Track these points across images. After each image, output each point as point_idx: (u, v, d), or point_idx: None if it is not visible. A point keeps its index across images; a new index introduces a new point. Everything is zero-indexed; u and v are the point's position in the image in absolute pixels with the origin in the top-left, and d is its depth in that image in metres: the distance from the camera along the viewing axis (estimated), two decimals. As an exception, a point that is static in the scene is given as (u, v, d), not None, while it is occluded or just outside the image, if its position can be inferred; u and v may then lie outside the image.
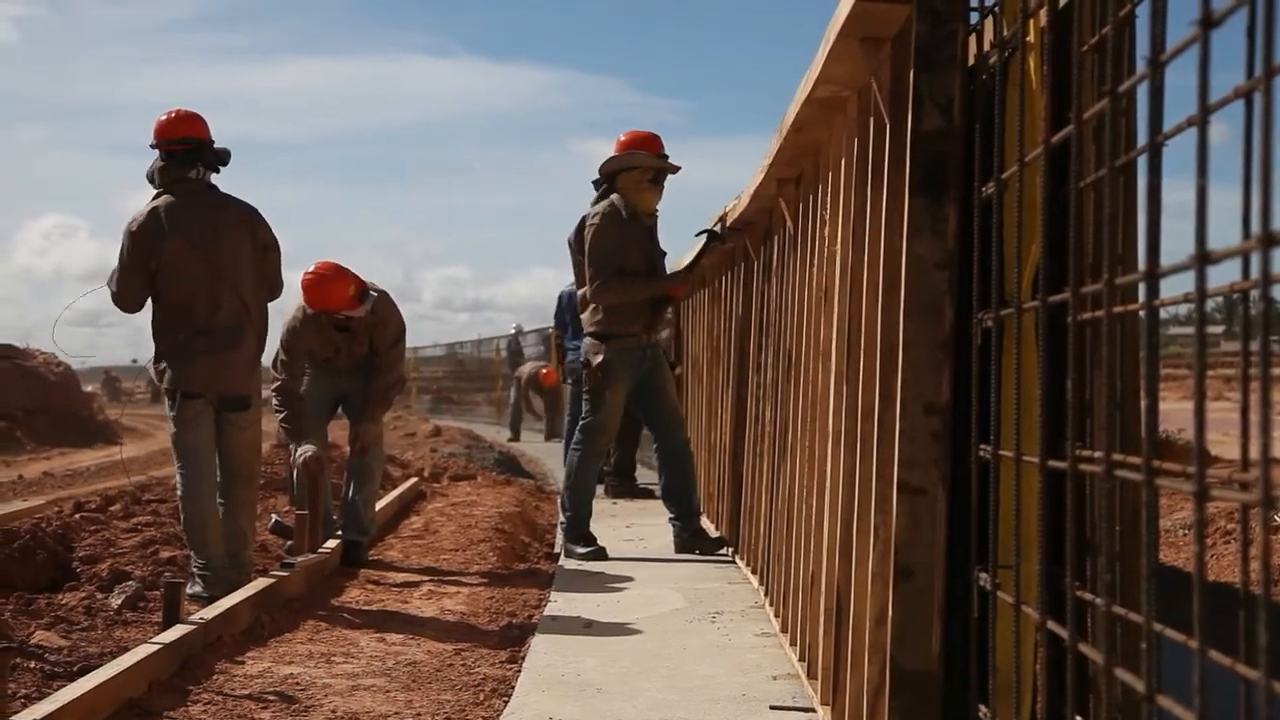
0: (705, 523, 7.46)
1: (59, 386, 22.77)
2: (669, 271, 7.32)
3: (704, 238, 7.34)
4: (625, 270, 7.02)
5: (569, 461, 7.31)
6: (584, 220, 7.15)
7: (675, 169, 7.18)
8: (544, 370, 20.76)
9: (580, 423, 7.21)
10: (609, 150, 7.27)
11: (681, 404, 9.92)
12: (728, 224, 6.95)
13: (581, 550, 6.97)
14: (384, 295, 6.97)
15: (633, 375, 7.11)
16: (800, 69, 3.97)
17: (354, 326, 6.82)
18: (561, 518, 7.34)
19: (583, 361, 7.22)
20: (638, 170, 7.08)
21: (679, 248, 7.34)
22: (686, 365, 10.16)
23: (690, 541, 7.07)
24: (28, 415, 20.32)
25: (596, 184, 7.23)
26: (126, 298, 5.71)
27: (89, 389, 29.31)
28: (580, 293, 7.28)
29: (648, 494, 9.94)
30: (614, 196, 7.09)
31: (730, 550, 6.91)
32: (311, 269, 6.81)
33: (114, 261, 5.77)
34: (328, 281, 6.73)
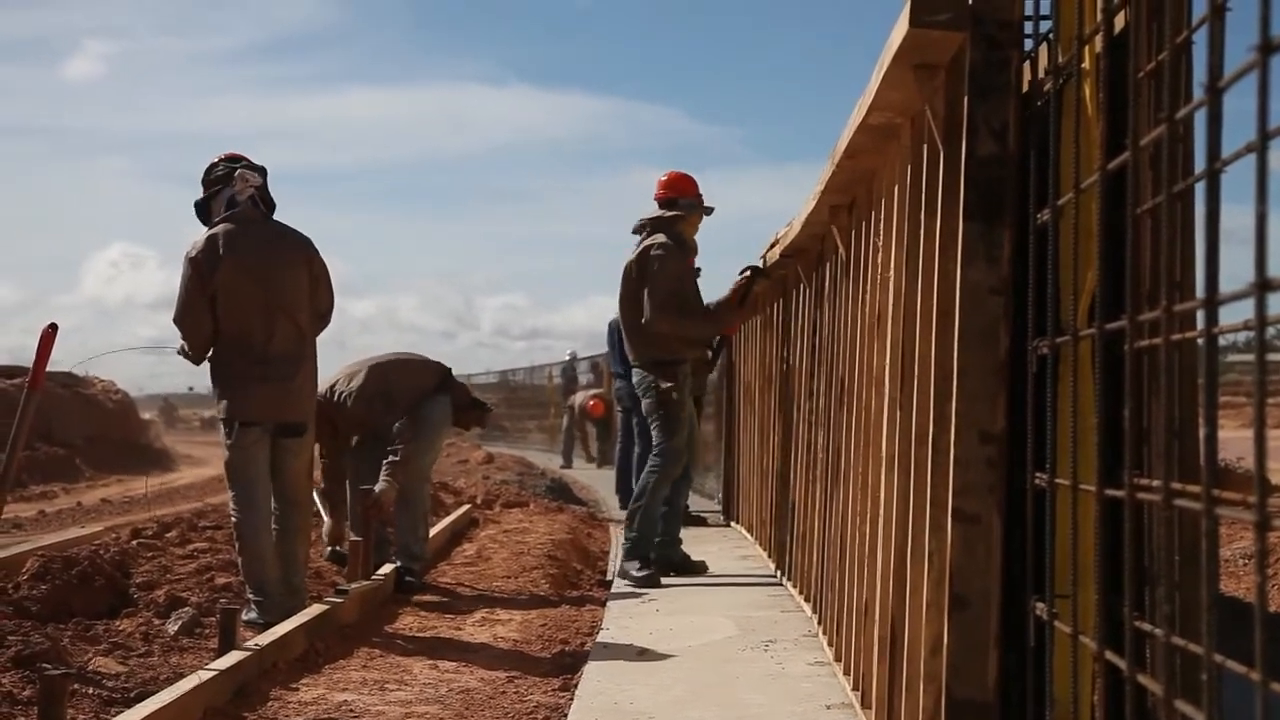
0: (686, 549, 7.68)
1: (117, 414, 23.02)
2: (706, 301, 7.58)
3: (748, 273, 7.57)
4: (686, 301, 7.32)
5: (641, 481, 7.42)
6: (646, 250, 7.34)
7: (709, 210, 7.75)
8: (591, 402, 20.70)
9: (657, 447, 7.36)
10: (663, 180, 7.65)
11: (734, 430, 9.96)
12: (780, 251, 6.96)
13: (636, 571, 7.01)
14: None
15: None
16: (854, 96, 3.97)
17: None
18: (624, 537, 7.37)
19: (646, 387, 7.36)
20: (700, 210, 7.60)
21: (725, 279, 7.60)
22: (739, 391, 10.16)
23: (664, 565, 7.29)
24: (87, 443, 20.53)
25: (659, 217, 7.48)
26: (192, 328, 5.68)
27: (146, 416, 29.60)
28: (631, 323, 7.40)
29: (700, 521, 9.93)
30: (663, 234, 7.36)
31: (779, 574, 6.92)
32: None
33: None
34: None
